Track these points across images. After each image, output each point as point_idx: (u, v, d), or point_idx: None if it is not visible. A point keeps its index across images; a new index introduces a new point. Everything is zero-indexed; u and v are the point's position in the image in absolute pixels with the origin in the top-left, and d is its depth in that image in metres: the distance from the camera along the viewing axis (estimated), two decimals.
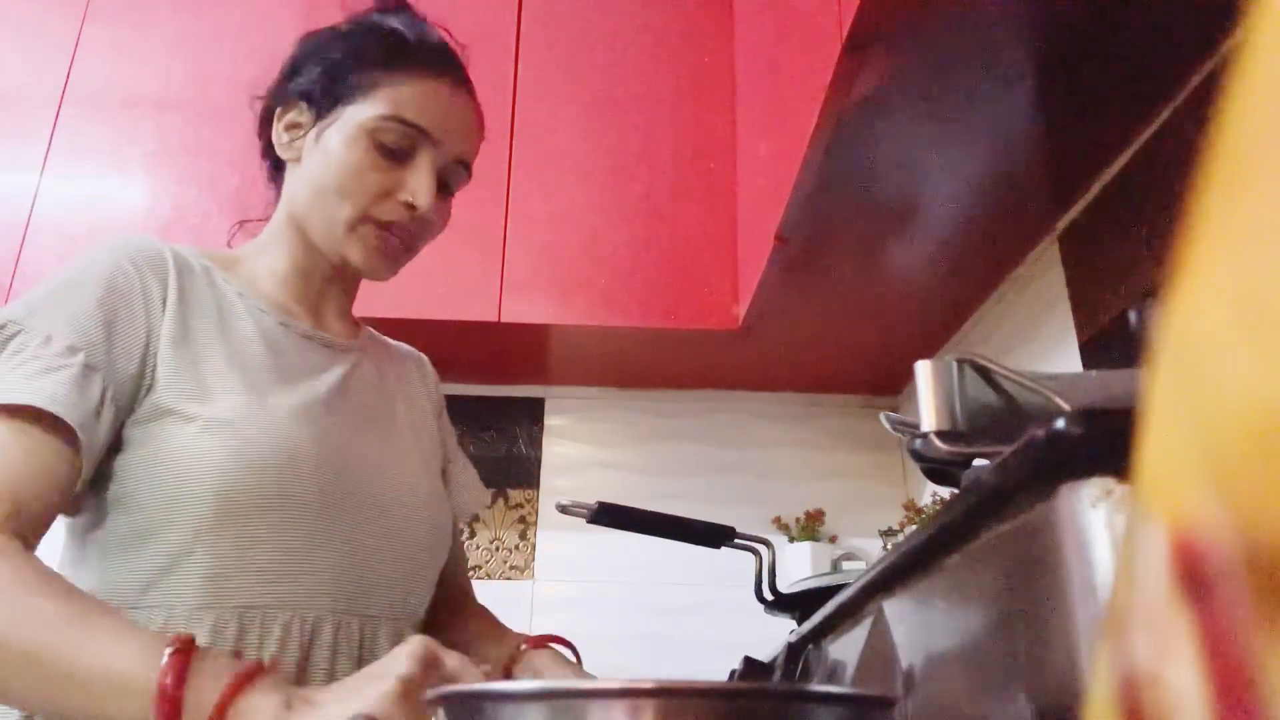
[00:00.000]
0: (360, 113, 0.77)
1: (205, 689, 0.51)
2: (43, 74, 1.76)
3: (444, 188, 0.82)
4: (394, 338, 1.00)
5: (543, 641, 0.83)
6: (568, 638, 0.85)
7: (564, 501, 1.00)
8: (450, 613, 0.90)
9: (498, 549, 1.81)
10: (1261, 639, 0.12)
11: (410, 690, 0.50)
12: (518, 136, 1.71)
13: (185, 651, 0.53)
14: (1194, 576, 0.13)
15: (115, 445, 0.68)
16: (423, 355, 1.00)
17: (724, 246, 1.65)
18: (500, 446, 1.87)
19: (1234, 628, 0.12)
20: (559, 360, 1.81)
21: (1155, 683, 0.14)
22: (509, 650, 0.83)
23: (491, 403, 1.88)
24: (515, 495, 1.85)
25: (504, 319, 1.60)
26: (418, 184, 0.77)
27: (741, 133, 1.68)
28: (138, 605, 0.66)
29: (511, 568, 1.80)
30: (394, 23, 0.82)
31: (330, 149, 0.77)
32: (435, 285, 1.60)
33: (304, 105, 0.80)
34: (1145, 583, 0.14)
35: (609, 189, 1.69)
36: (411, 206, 0.78)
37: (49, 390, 0.62)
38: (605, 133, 1.73)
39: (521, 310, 1.61)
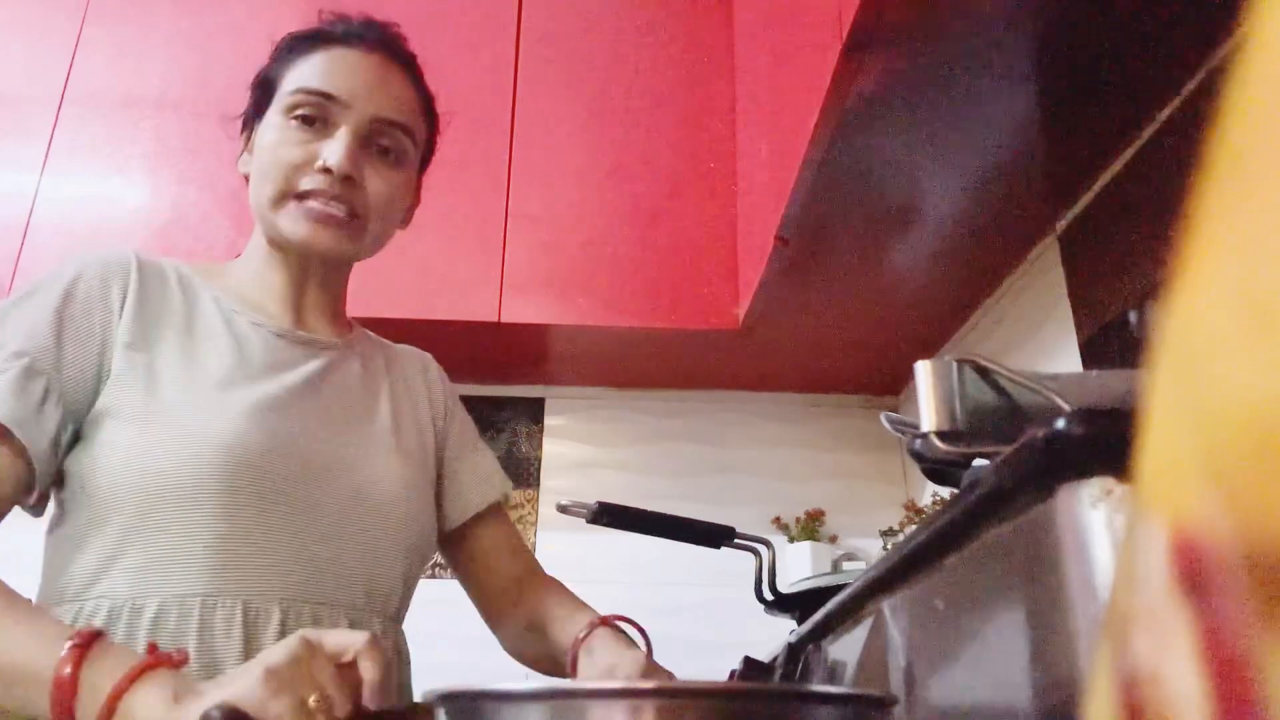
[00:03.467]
0: (276, 103, 0.81)
1: (102, 678, 0.53)
2: (43, 74, 1.76)
3: (384, 153, 0.83)
4: (394, 338, 0.99)
5: (609, 621, 0.82)
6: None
7: (564, 501, 1.00)
8: (518, 597, 0.91)
9: None
10: (1261, 639, 0.12)
11: (274, 676, 0.51)
12: (518, 136, 1.71)
13: (85, 644, 0.55)
14: (1194, 576, 0.13)
15: (72, 445, 0.72)
16: (429, 356, 0.99)
17: (724, 246, 1.65)
18: (500, 446, 1.87)
19: (1234, 628, 0.12)
20: (559, 360, 1.81)
21: (1155, 683, 0.14)
22: (577, 630, 0.82)
23: (491, 403, 1.88)
24: (515, 495, 1.84)
25: (504, 319, 1.60)
26: (331, 147, 0.79)
27: (741, 133, 1.68)
28: (84, 597, 0.69)
29: None
30: (314, 25, 0.85)
31: (259, 144, 0.81)
32: (435, 285, 1.60)
33: (247, 124, 0.86)
34: (1145, 583, 0.14)
35: (609, 189, 1.69)
36: (328, 170, 0.78)
37: None
38: (605, 133, 1.73)
39: (521, 310, 1.61)
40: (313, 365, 0.82)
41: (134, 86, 1.76)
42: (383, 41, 0.85)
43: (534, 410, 1.92)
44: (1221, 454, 0.12)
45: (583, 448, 1.90)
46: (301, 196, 0.79)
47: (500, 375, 1.87)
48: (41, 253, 1.62)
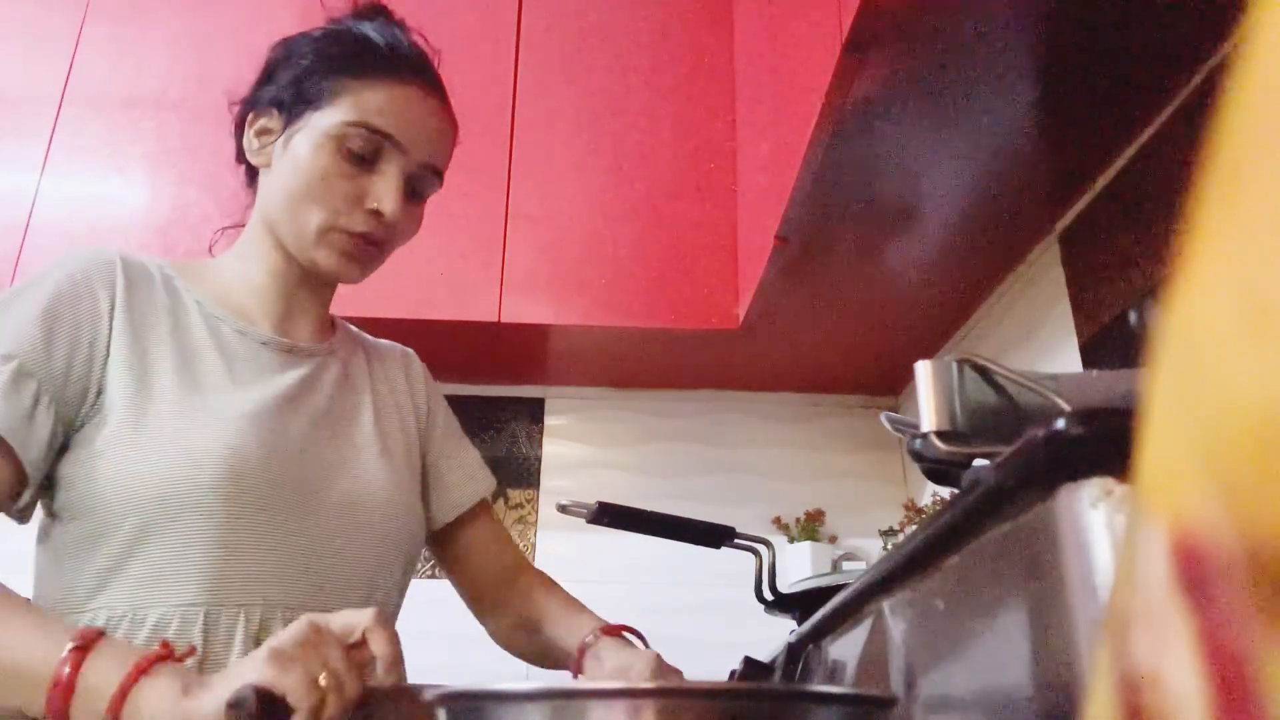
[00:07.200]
0: (327, 119, 0.78)
1: (103, 678, 0.53)
2: (43, 74, 1.76)
3: (414, 194, 0.83)
4: (394, 338, 0.99)
5: (615, 630, 0.84)
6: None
7: (564, 501, 1.00)
8: (509, 588, 0.92)
9: None
10: (1261, 639, 0.12)
11: (283, 656, 0.52)
12: (518, 136, 1.71)
13: (86, 645, 0.54)
14: (1194, 576, 0.13)
15: (65, 450, 0.70)
16: (410, 351, 1.00)
17: (724, 246, 1.65)
18: (500, 446, 1.87)
19: (1234, 628, 0.12)
20: (559, 360, 1.81)
21: (1155, 683, 0.14)
22: (580, 636, 0.84)
23: (491, 403, 1.88)
24: (515, 495, 1.84)
25: (504, 319, 1.60)
26: (384, 191, 0.78)
27: (741, 133, 1.67)
28: (84, 609, 0.68)
29: None
30: (366, 28, 0.83)
31: (298, 155, 0.78)
32: (435, 285, 1.60)
33: (275, 112, 0.81)
34: (1145, 583, 0.14)
35: (609, 189, 1.69)
36: (378, 214, 0.79)
37: None
38: (605, 133, 1.73)
39: (521, 310, 1.61)
40: (296, 374, 0.81)
41: (134, 86, 1.75)
42: (437, 78, 0.84)
43: (534, 410, 1.91)
44: (1221, 454, 0.12)
45: (583, 448, 1.90)
46: (344, 231, 0.79)
47: (500, 375, 1.87)
48: (41, 253, 1.61)
